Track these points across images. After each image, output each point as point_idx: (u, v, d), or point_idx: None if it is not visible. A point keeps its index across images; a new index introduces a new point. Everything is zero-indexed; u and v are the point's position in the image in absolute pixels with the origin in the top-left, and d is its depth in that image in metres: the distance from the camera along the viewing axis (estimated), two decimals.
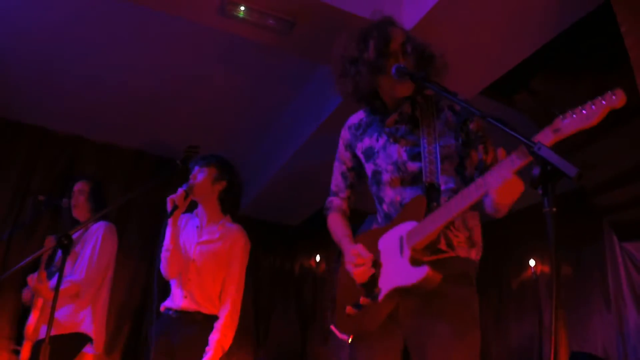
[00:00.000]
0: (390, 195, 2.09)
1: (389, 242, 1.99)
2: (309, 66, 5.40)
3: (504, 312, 7.41)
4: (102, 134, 6.83)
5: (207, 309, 3.19)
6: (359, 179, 2.32)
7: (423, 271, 1.81)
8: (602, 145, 4.60)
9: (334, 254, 3.99)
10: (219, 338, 3.06)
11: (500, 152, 1.74)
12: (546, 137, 1.55)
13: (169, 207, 3.10)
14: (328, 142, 5.43)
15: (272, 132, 6.69)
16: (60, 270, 2.59)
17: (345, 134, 2.34)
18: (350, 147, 2.31)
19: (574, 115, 1.51)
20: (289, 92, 6.01)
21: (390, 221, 2.05)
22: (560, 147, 1.54)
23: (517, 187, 1.67)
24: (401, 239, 1.93)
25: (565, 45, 4.26)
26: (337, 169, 2.36)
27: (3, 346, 5.59)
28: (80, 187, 4.00)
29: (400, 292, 1.91)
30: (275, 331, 7.40)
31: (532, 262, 7.06)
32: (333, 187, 2.36)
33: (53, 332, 3.47)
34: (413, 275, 1.84)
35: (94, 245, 3.79)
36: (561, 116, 1.53)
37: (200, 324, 3.15)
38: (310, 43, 4.53)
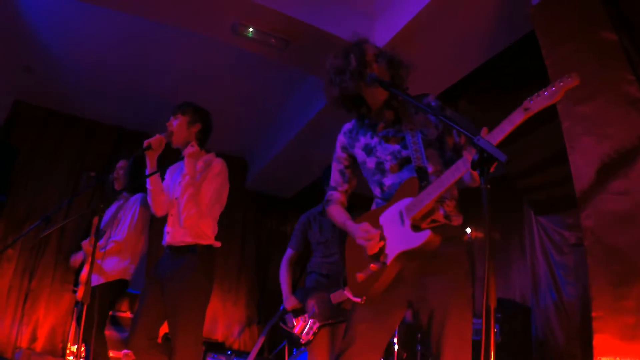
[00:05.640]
0: (393, 179, 1.99)
1: (389, 217, 1.88)
2: (300, 76, 5.37)
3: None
4: (139, 125, 6.72)
5: (188, 240, 2.78)
6: (354, 175, 2.20)
7: (425, 235, 1.73)
8: (523, 142, 4.62)
9: None
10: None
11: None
12: (518, 116, 1.54)
13: (144, 146, 2.78)
14: (314, 136, 5.53)
15: (270, 127, 6.65)
16: (96, 233, 2.57)
17: (342, 139, 2.20)
18: (346, 149, 2.17)
19: (539, 97, 1.51)
20: (283, 96, 5.97)
21: (388, 201, 1.95)
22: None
23: None
24: (400, 212, 1.83)
25: (498, 64, 4.26)
26: (335, 168, 2.22)
27: (66, 288, 5.71)
28: (121, 165, 3.95)
29: (405, 256, 1.79)
30: (272, 276, 7.46)
31: (468, 230, 7.10)
32: (332, 183, 2.21)
33: (102, 280, 3.50)
34: (417, 240, 1.75)
35: (133, 212, 3.73)
36: (528, 98, 1.53)
37: (182, 255, 2.77)
38: (301, 57, 4.52)
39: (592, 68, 2.63)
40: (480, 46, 4.06)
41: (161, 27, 4.48)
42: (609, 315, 2.16)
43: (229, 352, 6.14)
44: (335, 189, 2.20)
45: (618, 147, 2.39)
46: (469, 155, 1.63)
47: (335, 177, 2.22)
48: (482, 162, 1.45)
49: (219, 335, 6.61)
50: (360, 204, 2.72)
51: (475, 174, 1.63)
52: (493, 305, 1.30)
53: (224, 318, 6.74)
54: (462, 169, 1.67)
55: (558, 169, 4.76)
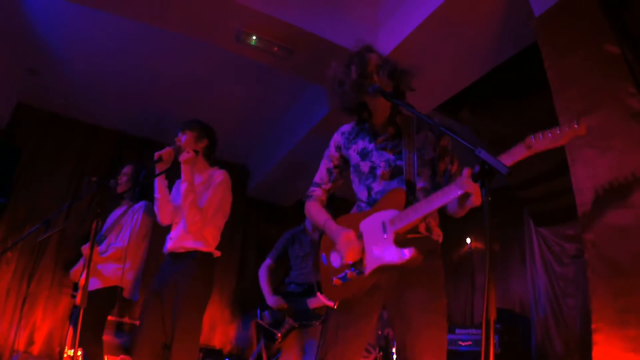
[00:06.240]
0: (382, 186, 1.99)
1: (371, 225, 1.87)
2: (301, 85, 5.38)
3: (445, 279, 7.41)
4: (140, 130, 6.73)
5: (189, 245, 2.83)
6: (340, 175, 2.21)
7: (410, 252, 1.73)
8: None
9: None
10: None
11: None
12: (520, 152, 1.54)
13: (155, 158, 2.85)
14: (317, 143, 5.50)
15: (272, 135, 6.66)
16: (93, 238, 2.51)
17: (337, 138, 2.20)
18: (340, 149, 2.18)
19: (541, 137, 1.51)
20: (285, 104, 5.98)
21: (372, 207, 1.94)
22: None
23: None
24: (383, 223, 1.82)
25: (501, 75, 4.27)
26: (324, 165, 2.22)
27: (65, 292, 5.70)
28: (126, 170, 3.93)
29: (385, 269, 1.80)
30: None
31: (468, 240, 7.09)
32: (317, 179, 2.22)
33: (100, 285, 3.49)
34: (400, 256, 1.74)
35: (136, 220, 3.71)
36: (532, 136, 1.51)
37: (181, 262, 2.82)
38: (304, 66, 4.53)
39: (594, 80, 2.64)
40: (483, 56, 4.08)
41: (164, 33, 4.49)
42: (609, 327, 2.15)
43: None
44: (318, 185, 2.21)
45: (620, 159, 2.38)
46: (463, 182, 1.62)
47: (321, 173, 2.22)
48: (484, 174, 1.45)
49: (216, 342, 6.58)
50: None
51: (477, 187, 1.63)
52: (493, 317, 1.30)
53: (222, 325, 6.71)
54: (453, 194, 1.67)
55: (559, 180, 4.76)
